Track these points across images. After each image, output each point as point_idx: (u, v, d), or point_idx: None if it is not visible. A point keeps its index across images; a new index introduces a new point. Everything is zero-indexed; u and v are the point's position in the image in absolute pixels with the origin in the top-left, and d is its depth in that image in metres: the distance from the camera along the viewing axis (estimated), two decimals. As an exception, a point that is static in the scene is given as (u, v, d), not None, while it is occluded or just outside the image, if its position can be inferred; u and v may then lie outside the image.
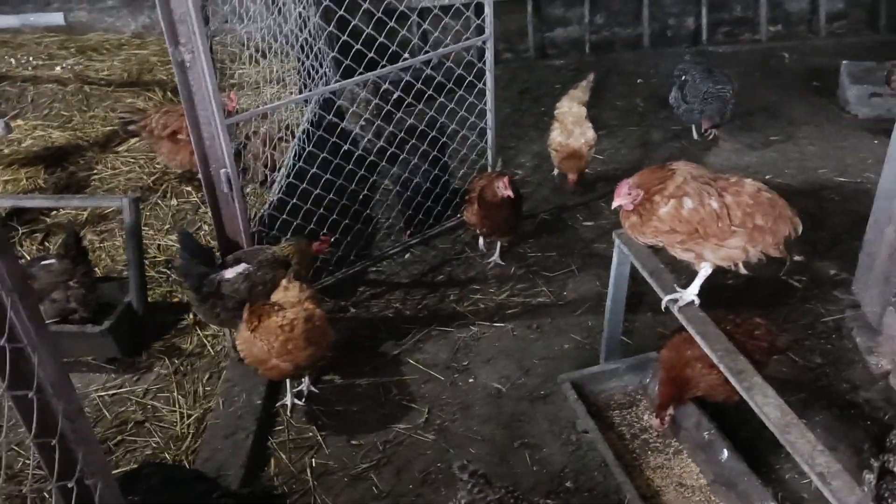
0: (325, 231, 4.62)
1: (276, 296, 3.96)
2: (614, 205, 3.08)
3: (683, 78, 6.26)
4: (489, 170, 5.43)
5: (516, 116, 7.07)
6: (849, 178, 5.83)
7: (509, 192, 4.59)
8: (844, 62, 6.86)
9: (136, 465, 3.57)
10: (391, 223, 5.45)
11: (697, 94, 6.04)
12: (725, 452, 3.41)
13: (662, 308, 3.23)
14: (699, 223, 2.84)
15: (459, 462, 3.04)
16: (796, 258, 4.97)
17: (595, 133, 5.53)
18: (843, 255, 4.91)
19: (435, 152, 5.26)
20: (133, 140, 6.22)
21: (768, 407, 2.59)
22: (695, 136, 6.43)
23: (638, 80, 7.61)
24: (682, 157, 6.26)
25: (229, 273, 4.12)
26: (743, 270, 3.07)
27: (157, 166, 6.02)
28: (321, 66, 5.29)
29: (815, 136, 6.43)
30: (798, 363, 4.20)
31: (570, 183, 5.61)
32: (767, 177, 5.90)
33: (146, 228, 5.44)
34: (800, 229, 2.99)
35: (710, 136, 6.30)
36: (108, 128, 6.46)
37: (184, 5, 3.57)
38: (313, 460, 3.86)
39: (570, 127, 5.49)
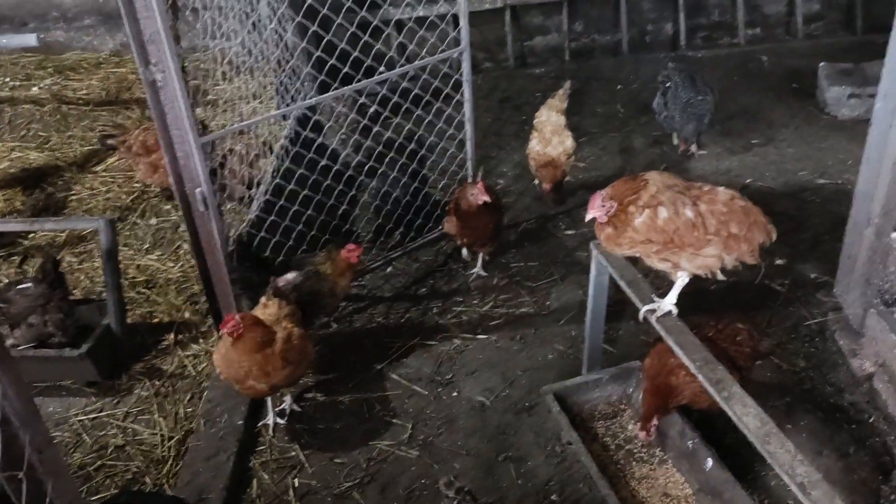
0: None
1: (256, 312, 3.92)
2: (588, 217, 3.06)
3: (667, 84, 6.25)
4: (469, 180, 5.42)
5: (497, 126, 7.06)
6: (829, 179, 5.84)
7: (485, 197, 4.56)
8: (822, 64, 6.89)
9: (115, 492, 3.52)
10: (372, 237, 5.42)
11: (678, 103, 6.04)
12: (709, 461, 3.39)
13: (640, 319, 3.21)
14: (674, 233, 2.83)
15: (445, 478, 3.01)
16: (777, 261, 4.98)
17: (574, 142, 5.52)
18: (824, 257, 4.92)
19: (414, 164, 5.23)
20: (111, 159, 6.18)
21: (747, 417, 2.57)
22: (675, 142, 6.43)
23: (618, 86, 7.62)
24: (662, 163, 6.28)
25: (281, 281, 4.19)
26: (721, 276, 3.06)
27: (135, 185, 5.98)
28: (298, 80, 5.26)
29: (795, 138, 6.46)
30: (782, 367, 4.19)
31: (545, 192, 5.58)
32: (748, 180, 5.92)
33: (126, 248, 5.40)
34: (774, 236, 2.98)
35: (689, 154, 6.26)
36: (87, 147, 6.42)
37: (153, 25, 3.54)
38: (296, 480, 3.82)
39: (549, 136, 5.48)
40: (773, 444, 2.45)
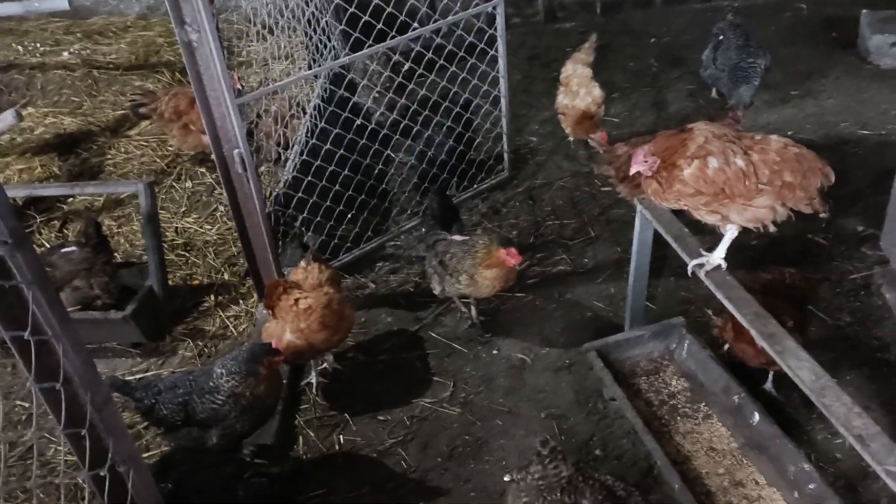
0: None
1: (296, 276, 3.93)
2: (632, 171, 3.00)
3: (720, 38, 6.01)
4: (504, 138, 5.36)
5: (526, 83, 6.94)
6: (871, 130, 5.69)
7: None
8: (864, 11, 6.67)
9: (167, 450, 3.59)
10: (407, 196, 5.39)
11: (728, 62, 5.77)
12: (756, 416, 3.37)
13: (689, 273, 3.17)
14: (725, 183, 2.77)
15: (542, 437, 3.01)
16: (821, 215, 4.88)
17: (602, 91, 5.39)
18: (868, 210, 4.81)
19: (449, 122, 5.17)
20: (144, 123, 6.19)
21: (802, 371, 2.54)
22: (713, 95, 6.28)
23: (651, 40, 7.44)
24: (698, 117, 6.13)
25: (452, 236, 4.29)
26: (772, 229, 3.00)
27: (169, 149, 5.99)
28: (329, 39, 5.20)
29: (835, 89, 6.28)
30: (826, 322, 4.14)
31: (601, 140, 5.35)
32: (788, 133, 5.78)
33: (163, 212, 5.43)
34: (832, 178, 2.91)
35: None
36: (119, 112, 6.43)
37: (188, -16, 3.50)
38: (341, 437, 3.88)
39: (576, 88, 5.39)
40: (828, 397, 2.43)
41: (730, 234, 3.00)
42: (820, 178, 2.84)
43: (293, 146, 5.08)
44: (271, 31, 4.94)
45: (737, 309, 2.84)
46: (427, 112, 5.08)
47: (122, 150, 6.06)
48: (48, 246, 5.02)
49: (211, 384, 3.38)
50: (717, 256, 3.06)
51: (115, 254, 5.08)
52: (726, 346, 3.82)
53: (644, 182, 3.02)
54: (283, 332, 3.76)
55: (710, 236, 3.52)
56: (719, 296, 2.96)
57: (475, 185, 5.37)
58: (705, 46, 6.09)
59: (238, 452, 3.51)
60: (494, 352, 4.28)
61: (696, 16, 7.58)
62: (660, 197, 3.00)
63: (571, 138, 5.81)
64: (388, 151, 5.00)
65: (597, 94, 5.39)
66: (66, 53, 7.14)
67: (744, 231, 3.10)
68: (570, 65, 5.60)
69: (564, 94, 5.51)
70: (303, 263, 4.00)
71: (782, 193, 2.79)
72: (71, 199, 5.55)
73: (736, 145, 2.77)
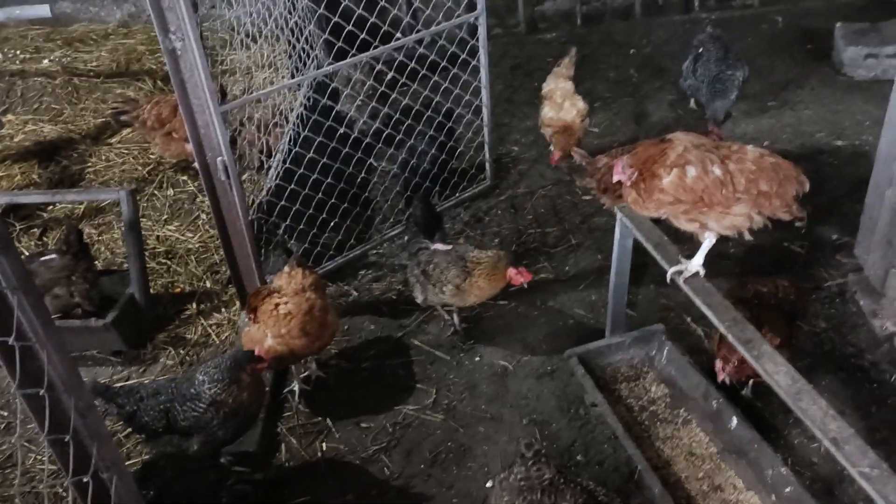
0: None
1: (279, 281, 3.94)
2: (614, 180, 3.07)
3: (700, 50, 6.09)
4: (486, 147, 5.41)
5: (508, 93, 7.01)
6: (846, 140, 5.80)
7: None
8: (838, 24, 6.80)
9: (149, 457, 3.57)
10: (390, 205, 5.42)
11: (707, 74, 5.84)
12: (734, 420, 3.42)
13: (668, 280, 3.22)
14: (703, 191, 2.83)
15: (527, 440, 3.04)
16: (796, 224, 4.96)
17: (586, 104, 5.48)
18: (843, 219, 4.91)
19: (432, 132, 5.21)
20: (126, 131, 6.18)
21: (779, 375, 2.60)
22: (691, 105, 6.38)
23: (631, 51, 7.54)
24: (678, 127, 6.23)
25: (434, 245, 4.30)
26: (748, 237, 3.07)
27: (151, 157, 5.98)
28: (312, 48, 5.23)
29: (811, 100, 6.40)
30: (802, 328, 4.21)
31: (553, 162, 5.50)
32: (765, 143, 5.88)
33: (144, 219, 5.40)
34: (807, 186, 2.99)
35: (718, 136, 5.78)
36: (100, 120, 6.41)
37: (172, -8, 3.51)
38: (324, 444, 3.88)
39: (560, 101, 5.46)
40: (804, 401, 2.48)
41: (708, 241, 3.06)
42: (795, 187, 2.91)
43: (276, 154, 5.09)
44: (255, 40, 4.96)
45: (714, 315, 2.89)
46: (410, 121, 5.12)
47: (103, 157, 6.03)
48: (28, 254, 4.98)
49: (193, 391, 3.38)
50: (696, 263, 3.11)
51: (96, 262, 5.06)
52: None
53: (625, 191, 3.08)
54: (264, 336, 3.77)
55: (688, 244, 3.58)
56: (697, 302, 3.01)
57: (457, 194, 5.41)
58: (685, 57, 6.17)
59: (217, 460, 3.50)
60: (477, 359, 4.31)
61: (675, 27, 7.70)
62: (640, 205, 3.05)
63: (552, 148, 5.86)
64: (371, 160, 5.02)
65: (581, 107, 5.47)
66: (46, 61, 7.11)
67: (722, 239, 3.17)
68: (551, 80, 5.68)
69: (549, 108, 5.56)
70: (286, 268, 4.01)
71: (759, 202, 2.86)
72: (51, 207, 5.52)
73: (714, 155, 2.84)
